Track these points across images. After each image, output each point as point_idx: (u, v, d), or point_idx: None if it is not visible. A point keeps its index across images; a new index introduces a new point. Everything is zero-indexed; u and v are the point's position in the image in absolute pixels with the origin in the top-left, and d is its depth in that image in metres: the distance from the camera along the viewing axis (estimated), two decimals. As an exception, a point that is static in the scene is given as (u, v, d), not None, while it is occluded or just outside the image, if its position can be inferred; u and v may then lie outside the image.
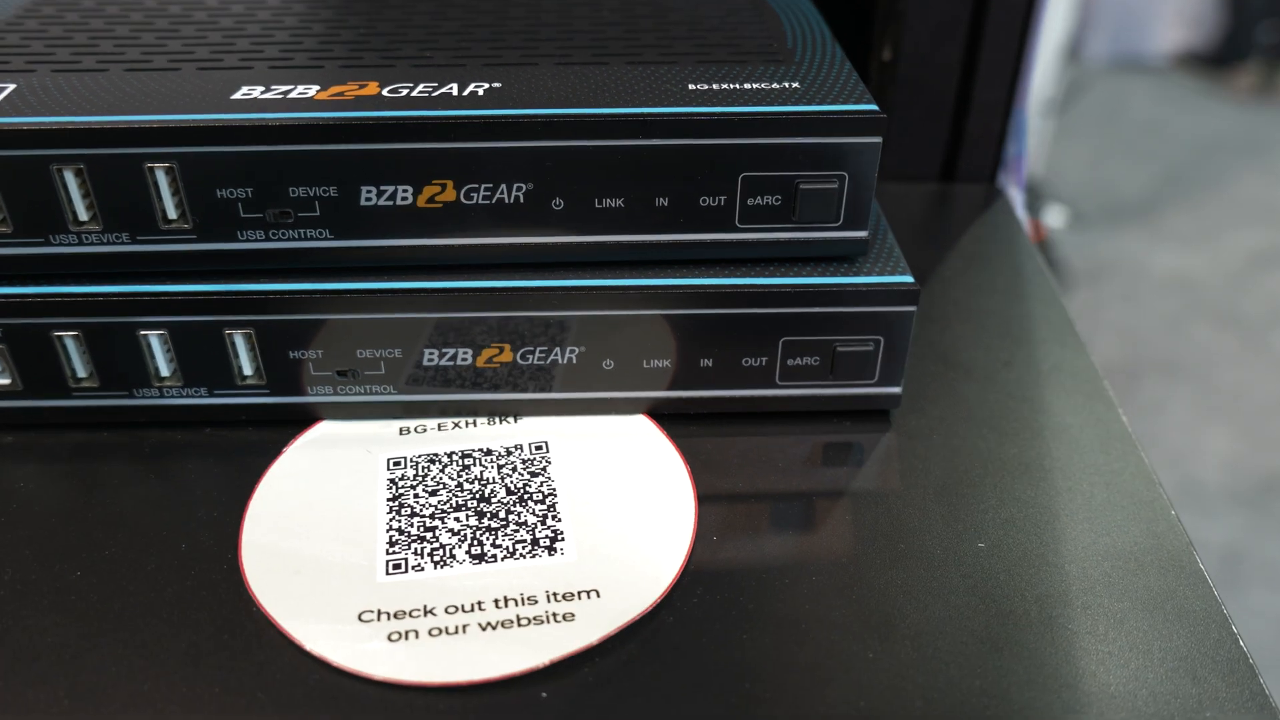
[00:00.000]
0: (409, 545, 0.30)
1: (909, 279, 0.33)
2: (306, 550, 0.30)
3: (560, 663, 0.27)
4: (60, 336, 0.33)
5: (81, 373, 0.33)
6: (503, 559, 0.30)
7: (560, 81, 0.32)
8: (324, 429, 0.34)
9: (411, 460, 0.33)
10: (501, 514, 0.31)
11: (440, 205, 0.31)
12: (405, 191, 0.31)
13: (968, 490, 0.32)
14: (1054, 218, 1.77)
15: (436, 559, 0.30)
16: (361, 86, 0.32)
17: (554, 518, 0.31)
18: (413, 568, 0.29)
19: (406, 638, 0.27)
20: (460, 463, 0.33)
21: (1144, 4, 2.17)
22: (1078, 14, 1.92)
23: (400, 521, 0.31)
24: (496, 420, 0.34)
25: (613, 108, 0.31)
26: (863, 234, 0.33)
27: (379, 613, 0.28)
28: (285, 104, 0.31)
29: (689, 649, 0.27)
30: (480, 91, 0.32)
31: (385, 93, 0.32)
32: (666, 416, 0.35)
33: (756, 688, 0.27)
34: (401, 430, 0.34)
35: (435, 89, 0.32)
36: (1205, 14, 2.07)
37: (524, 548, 0.30)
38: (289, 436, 0.34)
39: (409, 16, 0.37)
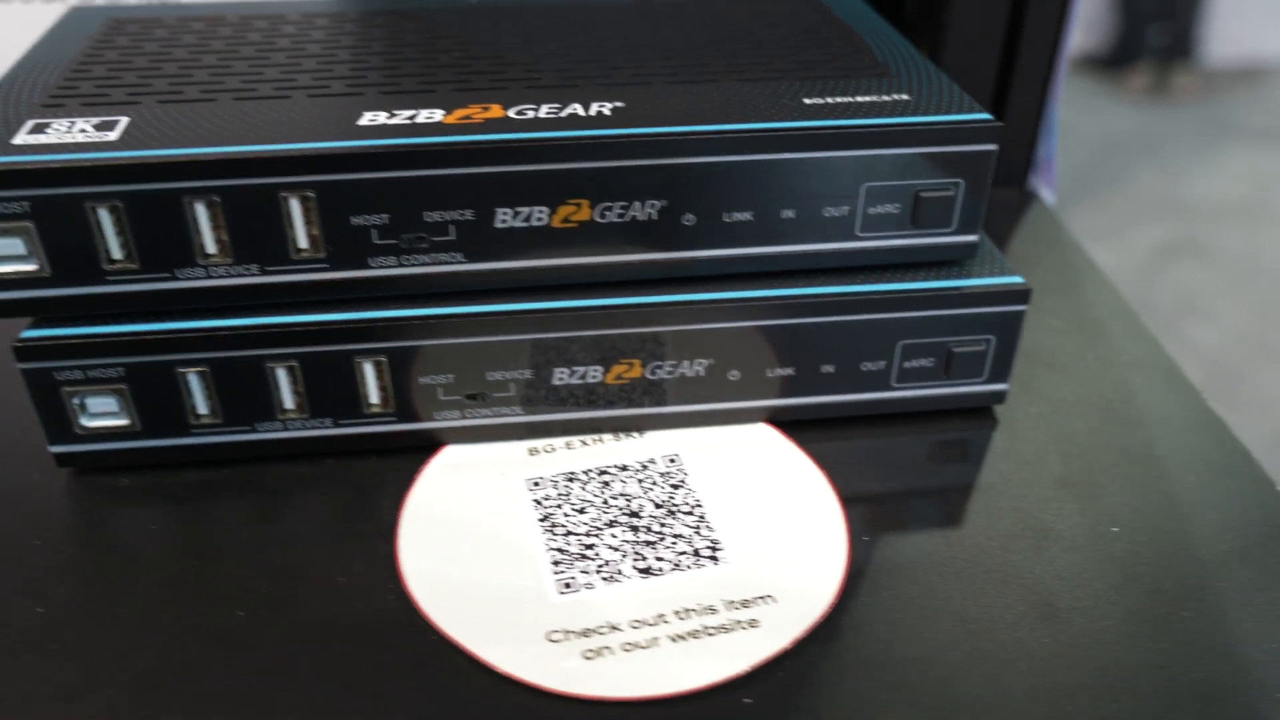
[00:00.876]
0: (573, 564, 0.30)
1: (1019, 279, 0.34)
2: (471, 574, 0.30)
3: (759, 669, 0.27)
4: (184, 373, 0.32)
5: (203, 409, 0.33)
6: (669, 571, 0.30)
7: (679, 99, 0.33)
8: (451, 454, 0.34)
9: (550, 479, 0.33)
10: (655, 527, 0.31)
11: (575, 225, 0.32)
12: (541, 212, 0.31)
13: (1087, 479, 0.34)
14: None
15: (605, 575, 0.30)
16: (485, 109, 0.32)
17: (707, 527, 0.31)
18: (584, 586, 0.29)
19: (601, 654, 0.27)
20: (599, 480, 0.33)
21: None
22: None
23: (558, 541, 0.31)
24: (621, 436, 0.35)
25: (742, 123, 0.31)
26: (975, 238, 0.34)
27: (566, 632, 0.28)
28: (415, 129, 0.31)
29: (872, 645, 0.28)
30: (606, 110, 0.32)
31: (511, 114, 0.32)
32: (785, 423, 0.35)
33: (943, 675, 0.27)
34: (531, 451, 0.34)
35: (560, 109, 0.32)
36: (1099, 17, 2.17)
37: (686, 559, 0.30)
38: (414, 464, 0.34)
39: (497, 39, 0.38)
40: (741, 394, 0.35)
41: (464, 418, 0.34)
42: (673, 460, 0.34)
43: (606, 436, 0.35)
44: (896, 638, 0.28)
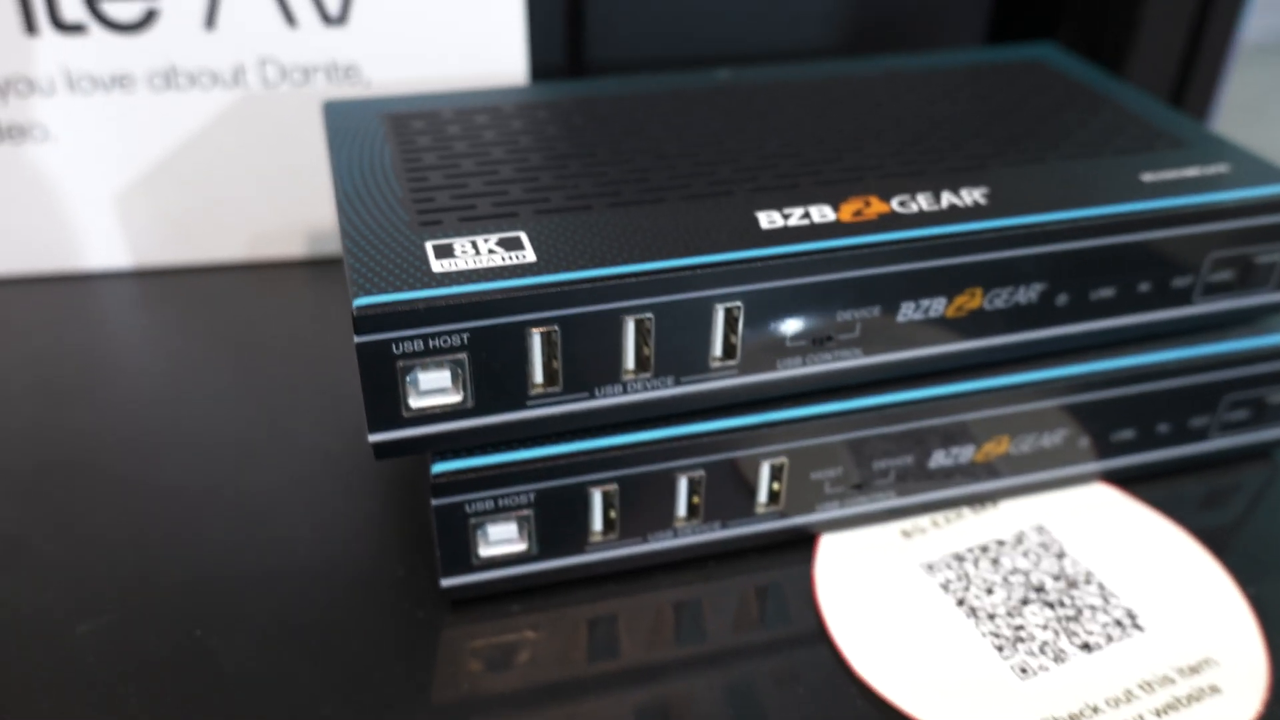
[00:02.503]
0: (1015, 647, 0.31)
1: (1330, 328, 0.37)
2: (932, 667, 0.30)
3: (1251, 733, 0.29)
4: (593, 491, 0.31)
5: (599, 525, 0.32)
6: (1106, 644, 0.31)
7: (1028, 181, 0.34)
8: (832, 544, 0.34)
9: (943, 562, 0.33)
10: (1066, 601, 0.32)
11: (966, 313, 0.32)
12: (938, 304, 0.32)
13: (1396, 510, 0.37)
14: None
15: (1052, 655, 0.31)
16: (867, 203, 0.32)
17: (1112, 595, 0.32)
18: (1039, 669, 0.30)
19: (1104, 739, 0.28)
20: (987, 557, 0.34)
21: None
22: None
23: (985, 625, 0.31)
24: (977, 509, 0.36)
25: (1107, 206, 0.33)
26: (1289, 296, 0.36)
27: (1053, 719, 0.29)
28: (820, 230, 0.31)
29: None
30: (979, 199, 0.33)
31: (895, 207, 0.32)
32: (1120, 480, 0.37)
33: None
34: (904, 533, 0.35)
35: (935, 199, 0.33)
36: None
37: (1113, 629, 0.31)
38: (797, 558, 0.34)
39: (799, 120, 0.38)
40: (1085, 457, 0.36)
41: (842, 507, 0.34)
42: (1040, 530, 0.35)
43: (965, 511, 0.35)
44: (1336, 687, 0.30)
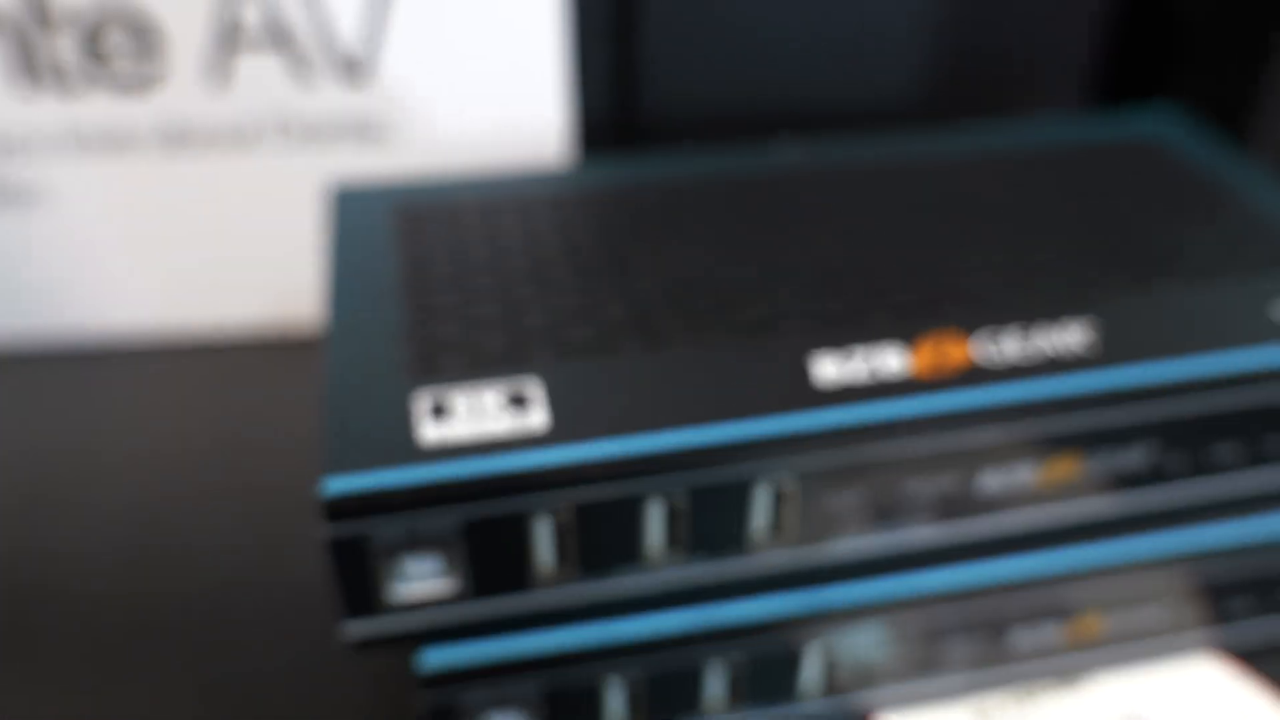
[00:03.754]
0: None
1: None
2: None
3: None
4: (607, 682, 0.27)
5: (616, 718, 0.28)
6: None
7: (1135, 318, 0.28)
8: (886, 728, 0.30)
9: (1018, 759, 0.29)
10: (1164, 822, 0.27)
11: (1060, 481, 0.27)
12: (1026, 471, 0.27)
13: None
14: None
15: None
16: (944, 350, 0.27)
17: (1218, 817, 0.28)
18: None
19: None
20: (1071, 755, 0.29)
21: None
22: None
23: None
24: (1060, 686, 0.31)
25: (1240, 350, 0.27)
26: None
27: None
28: (887, 387, 0.26)
29: None
30: (1077, 344, 0.28)
31: (977, 359, 0.27)
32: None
33: None
34: (979, 715, 0.30)
35: (1025, 339, 0.27)
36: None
37: None
38: (842, 742, 0.29)
39: (872, 223, 0.33)
40: (1182, 626, 0.31)
41: (901, 684, 0.29)
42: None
43: (1040, 690, 0.31)
44: None
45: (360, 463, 0.24)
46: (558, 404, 0.25)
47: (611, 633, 0.26)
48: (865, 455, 0.25)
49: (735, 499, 0.25)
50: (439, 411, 0.25)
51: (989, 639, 0.29)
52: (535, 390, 0.26)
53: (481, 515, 0.24)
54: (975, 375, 0.26)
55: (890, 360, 0.27)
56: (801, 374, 0.26)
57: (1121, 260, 0.31)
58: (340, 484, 0.23)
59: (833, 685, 0.29)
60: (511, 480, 0.24)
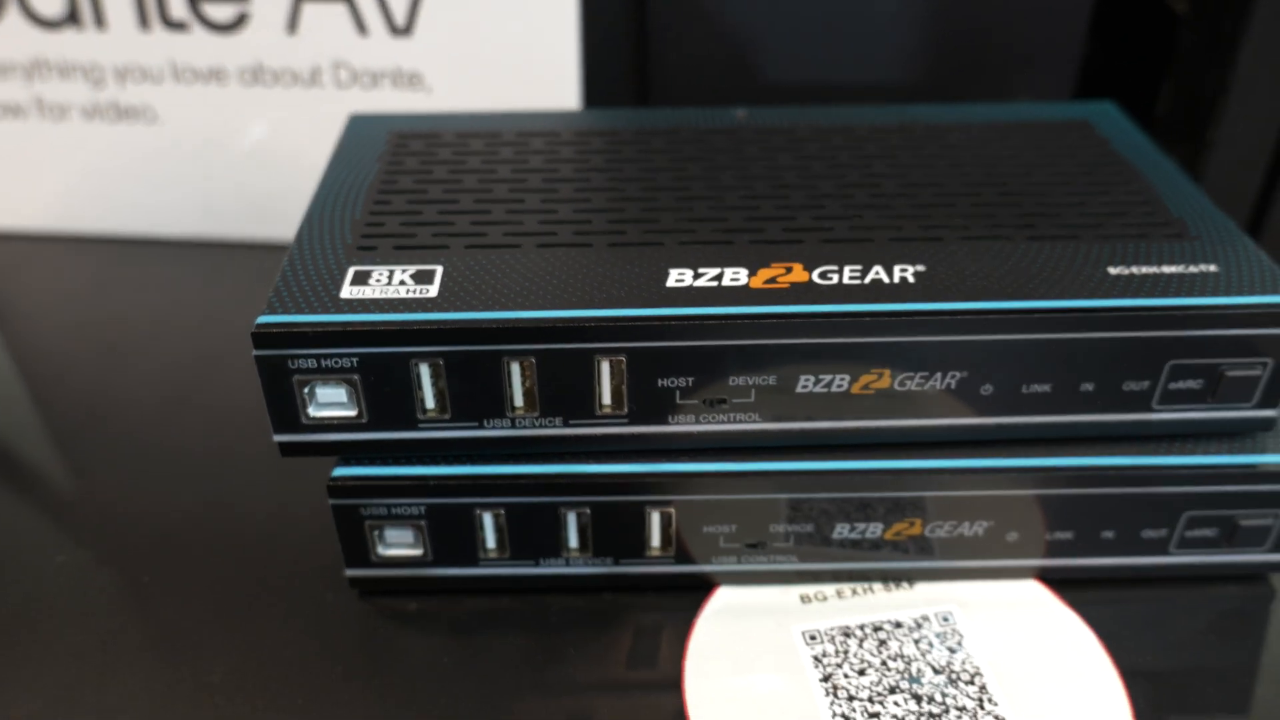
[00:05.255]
0: (862, 735, 0.31)
1: (1315, 455, 0.33)
2: (762, 741, 0.30)
3: None
4: (481, 514, 0.33)
5: (493, 544, 0.34)
6: (958, 751, 0.30)
7: (979, 263, 0.33)
8: (725, 597, 0.35)
9: (826, 634, 0.33)
10: (938, 697, 0.32)
11: (873, 392, 0.32)
12: (841, 380, 0.32)
13: (1375, 665, 0.33)
14: None
15: (895, 751, 0.30)
16: (788, 269, 0.32)
17: (990, 701, 0.31)
18: (875, 762, 0.30)
19: (905, 846, 0.28)
20: (875, 637, 0.33)
21: None
22: None
23: (841, 705, 0.31)
24: (891, 586, 0.35)
25: (1046, 300, 0.31)
26: (1273, 413, 0.33)
27: (867, 817, 0.29)
28: (723, 294, 0.31)
29: None
30: (909, 277, 0.32)
31: (816, 278, 0.32)
32: (1058, 580, 0.35)
33: None
34: (803, 598, 0.35)
35: (862, 273, 0.32)
36: None
37: (974, 737, 0.31)
38: (688, 603, 0.34)
39: (776, 171, 0.38)
40: (1016, 553, 0.35)
41: (740, 563, 0.34)
42: (946, 619, 0.34)
43: (877, 586, 0.35)
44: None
45: (288, 307, 0.31)
46: (451, 282, 0.32)
47: (484, 472, 0.32)
48: (698, 349, 0.31)
49: (581, 371, 0.31)
50: (359, 279, 0.32)
51: (812, 530, 0.34)
52: (438, 270, 0.32)
53: (374, 357, 0.30)
54: (803, 293, 0.31)
55: (736, 276, 0.32)
56: (658, 280, 0.32)
57: (993, 216, 0.35)
58: (267, 319, 0.30)
59: (674, 551, 0.34)
60: (396, 332, 0.30)
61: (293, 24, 0.47)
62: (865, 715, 0.31)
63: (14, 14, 0.47)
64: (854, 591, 0.35)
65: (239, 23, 0.47)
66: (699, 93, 0.51)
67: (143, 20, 0.47)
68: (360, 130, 0.41)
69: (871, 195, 0.36)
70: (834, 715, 0.31)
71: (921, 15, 0.49)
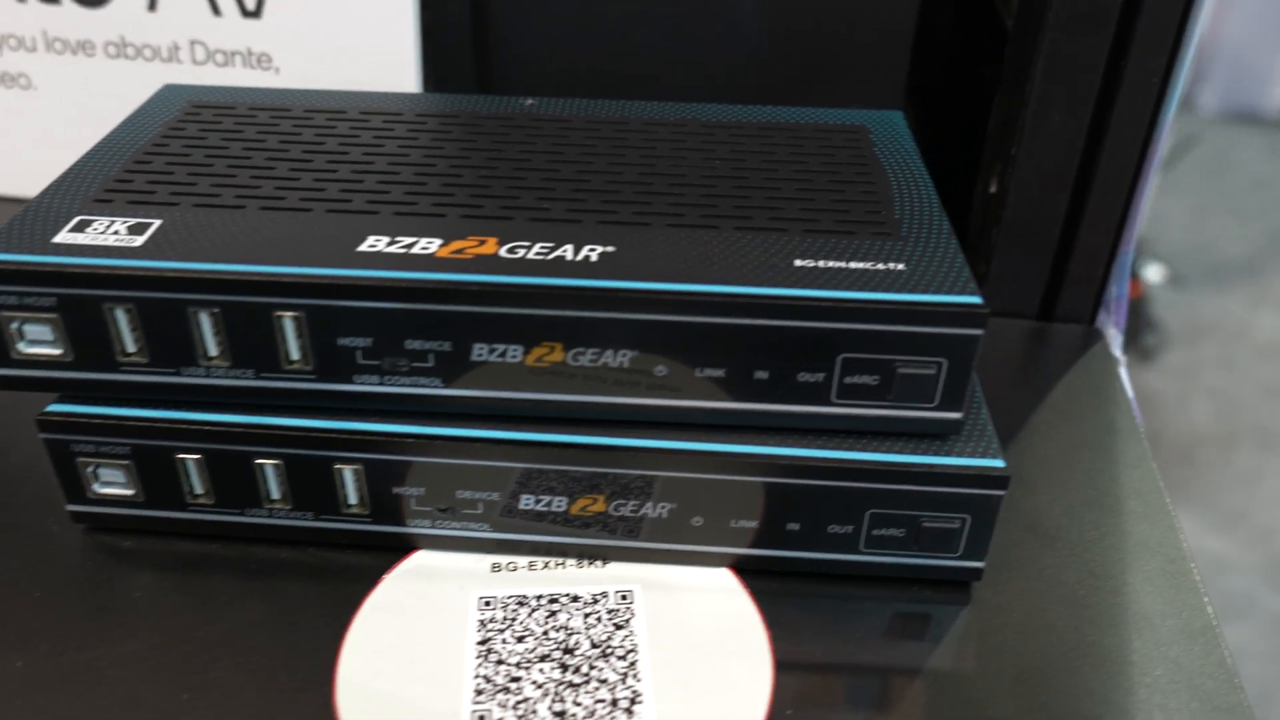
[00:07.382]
0: (494, 696, 0.31)
1: (999, 463, 0.33)
2: (397, 692, 0.31)
3: (634, 842, 0.28)
4: (183, 459, 0.35)
5: (199, 489, 0.35)
6: (583, 718, 0.31)
7: (671, 248, 0.33)
8: (421, 559, 0.36)
9: (501, 601, 0.34)
10: (585, 668, 0.32)
11: (547, 365, 0.33)
12: (515, 350, 0.33)
13: (1044, 678, 0.33)
14: (1153, 274, 1.74)
15: (519, 713, 0.31)
16: (481, 243, 0.33)
17: (634, 677, 0.32)
18: (497, 721, 0.31)
19: (489, 800, 0.29)
20: (548, 608, 0.34)
21: (1259, 58, 2.11)
22: (1191, 66, 1.87)
23: (487, 669, 0.32)
24: (585, 563, 0.36)
25: (718, 285, 0.32)
26: (958, 415, 0.33)
27: (464, 770, 0.29)
28: (407, 260, 0.32)
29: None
30: (594, 257, 0.33)
31: (503, 252, 0.33)
32: (750, 570, 0.35)
33: None
34: (494, 566, 0.35)
35: (551, 250, 0.33)
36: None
37: (604, 708, 0.31)
38: (388, 561, 0.36)
39: (530, 157, 0.39)
40: (705, 539, 0.35)
41: (435, 527, 0.35)
42: (624, 597, 0.34)
43: (570, 561, 0.36)
44: (785, 830, 0.28)
45: (4, 246, 0.33)
46: (162, 235, 0.33)
47: (183, 417, 0.34)
48: (374, 311, 0.32)
49: (265, 325, 0.32)
50: (80, 228, 0.34)
51: (499, 498, 0.34)
52: (155, 224, 0.34)
53: (71, 299, 0.32)
54: (485, 264, 0.32)
55: (428, 246, 0.33)
56: (352, 244, 0.33)
57: (713, 207, 0.36)
58: (-25, 254, 0.32)
59: (369, 510, 0.35)
60: (87, 274, 0.32)
61: (153, 3, 0.49)
62: (507, 678, 0.32)
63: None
64: (546, 565, 0.36)
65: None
66: (543, 81, 0.52)
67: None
68: (166, 98, 0.43)
69: (607, 182, 0.37)
70: (475, 675, 0.32)
71: (766, 18, 0.50)
